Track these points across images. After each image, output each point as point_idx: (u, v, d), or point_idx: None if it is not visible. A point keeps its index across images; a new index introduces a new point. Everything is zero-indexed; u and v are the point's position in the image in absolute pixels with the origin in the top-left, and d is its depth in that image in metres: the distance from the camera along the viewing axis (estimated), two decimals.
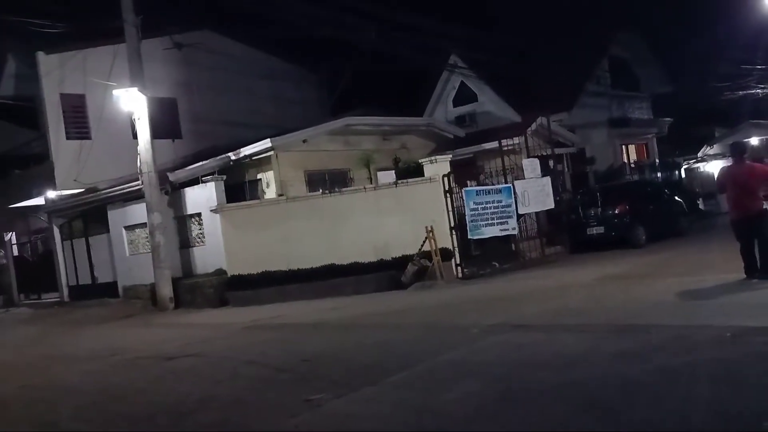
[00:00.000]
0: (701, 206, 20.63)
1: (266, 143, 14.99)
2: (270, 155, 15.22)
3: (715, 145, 28.02)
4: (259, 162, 15.55)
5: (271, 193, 15.26)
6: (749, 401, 4.13)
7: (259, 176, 15.78)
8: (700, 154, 26.22)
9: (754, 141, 27.76)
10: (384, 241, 13.24)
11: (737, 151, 8.85)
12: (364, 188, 14.25)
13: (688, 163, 23.78)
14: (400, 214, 13.38)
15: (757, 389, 4.35)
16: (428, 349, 6.79)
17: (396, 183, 13.98)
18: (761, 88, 23.84)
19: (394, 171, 15.20)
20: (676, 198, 17.53)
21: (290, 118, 19.41)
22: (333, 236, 13.41)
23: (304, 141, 15.79)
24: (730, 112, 27.76)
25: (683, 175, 22.71)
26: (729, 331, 5.70)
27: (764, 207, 8.40)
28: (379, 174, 15.69)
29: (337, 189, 14.47)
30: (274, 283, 13.08)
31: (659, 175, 22.36)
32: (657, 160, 23.76)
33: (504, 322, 7.72)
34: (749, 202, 8.34)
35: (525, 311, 8.40)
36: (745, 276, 8.35)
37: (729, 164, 9.21)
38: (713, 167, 22.97)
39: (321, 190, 14.47)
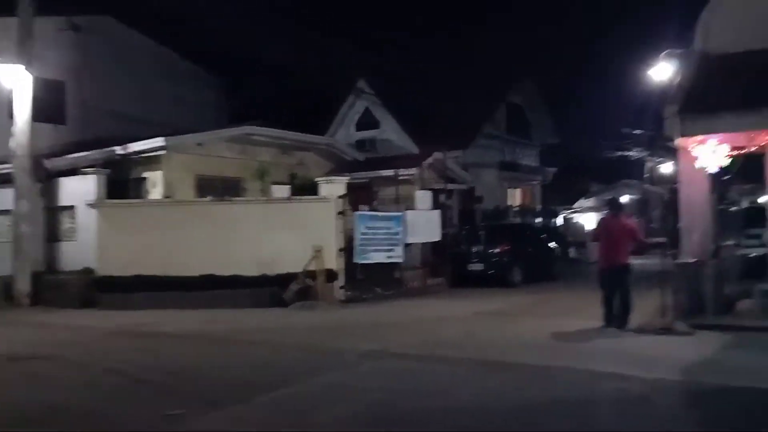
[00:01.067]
0: (573, 254, 22.00)
1: (159, 141, 14.33)
2: (161, 154, 14.55)
3: (591, 199, 30.18)
4: (148, 160, 14.81)
5: (156, 193, 14.56)
6: None
7: (145, 175, 15.00)
8: (576, 205, 28.11)
9: (625, 199, 30.21)
10: (270, 257, 12.96)
11: (614, 207, 9.56)
12: (257, 200, 13.96)
13: (566, 213, 25.39)
14: (290, 230, 13.17)
15: (606, 428, 4.65)
16: (303, 371, 6.69)
17: (290, 198, 13.81)
18: (636, 151, 26.05)
19: (289, 186, 15.05)
20: (552, 244, 18.60)
21: (185, 118, 18.69)
22: (217, 246, 12.94)
23: (199, 144, 15.28)
24: (607, 169, 30.10)
25: (560, 223, 24.19)
26: (586, 375, 6.07)
27: (629, 261, 9.08)
28: (274, 187, 15.44)
29: (227, 197, 14.05)
30: (149, 288, 12.40)
31: (539, 220, 23.69)
32: (539, 206, 25.20)
33: (382, 349, 7.77)
34: (617, 255, 8.99)
35: (403, 340, 8.50)
36: (603, 323, 8.95)
37: (605, 217, 9.82)
38: (587, 219, 24.68)
39: (210, 197, 14.00)
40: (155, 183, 14.79)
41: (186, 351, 8.23)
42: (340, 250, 13.48)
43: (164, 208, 13.48)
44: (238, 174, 16.13)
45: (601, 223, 9.61)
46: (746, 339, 7.97)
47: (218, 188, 15.41)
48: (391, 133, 22.28)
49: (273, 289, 12.65)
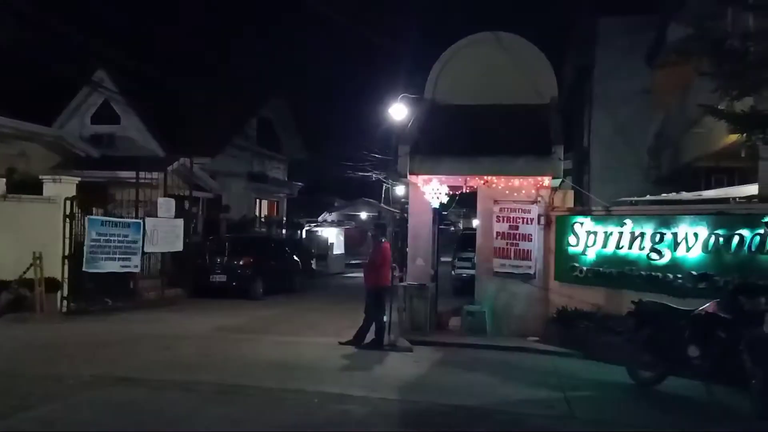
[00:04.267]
0: (314, 266, 22.91)
1: None
2: None
3: (333, 213, 31.83)
4: None
5: None
6: None
7: None
8: (320, 219, 29.38)
9: (364, 215, 32.51)
10: None
11: (382, 232, 10.32)
12: None
13: (310, 226, 26.37)
14: (5, 233, 11.62)
15: None
16: (8, 403, 5.92)
17: (5, 196, 12.12)
18: (375, 173, 28.22)
19: (4, 181, 13.15)
20: (295, 257, 19.16)
21: None
22: None
23: None
24: (349, 187, 32.07)
25: (304, 235, 25.04)
26: (317, 397, 6.44)
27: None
28: None
29: None
30: None
31: (284, 232, 24.22)
32: (284, 219, 25.77)
33: (107, 373, 7.26)
34: (388, 276, 9.80)
35: (132, 361, 8.03)
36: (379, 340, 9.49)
37: (382, 242, 10.17)
38: (329, 232, 25.97)
39: None
40: None
41: None
42: (66, 257, 12.27)
43: None
44: None
45: (386, 248, 10.00)
46: (454, 355, 9.19)
47: None
48: (133, 131, 20.78)
49: None
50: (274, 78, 24.82)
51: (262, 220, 23.99)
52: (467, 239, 17.88)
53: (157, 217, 14.16)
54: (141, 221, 13.68)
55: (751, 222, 7.97)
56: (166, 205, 14.49)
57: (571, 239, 10.11)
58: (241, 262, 16.11)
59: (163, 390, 6.67)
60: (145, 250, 13.71)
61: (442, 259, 15.10)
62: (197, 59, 22.00)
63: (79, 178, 13.31)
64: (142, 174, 14.82)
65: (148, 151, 19.86)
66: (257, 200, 24.55)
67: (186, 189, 16.53)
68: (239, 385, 6.85)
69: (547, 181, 10.33)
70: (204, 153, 19.37)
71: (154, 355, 8.55)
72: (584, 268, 9.91)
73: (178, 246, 14.80)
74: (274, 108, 25.20)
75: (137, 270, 13.60)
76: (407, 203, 11.48)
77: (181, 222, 14.87)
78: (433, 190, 10.55)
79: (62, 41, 15.76)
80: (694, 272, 8.38)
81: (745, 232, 7.98)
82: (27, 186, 12.91)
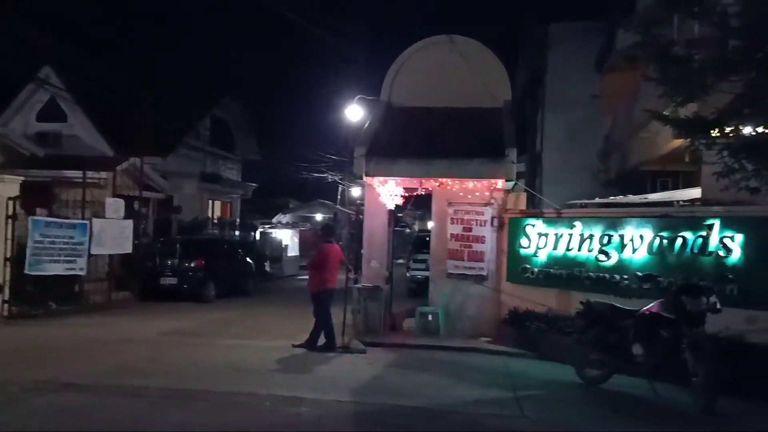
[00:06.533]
0: (268, 268, 22.67)
1: None
2: None
3: (288, 215, 31.61)
4: None
5: None
6: None
7: None
8: (274, 221, 29.10)
9: (319, 217, 32.38)
10: None
11: (329, 233, 10.19)
12: None
13: (264, 228, 26.07)
14: None
15: None
16: None
17: None
18: (331, 174, 28.13)
19: None
20: (248, 259, 18.89)
21: None
22: None
23: None
24: (304, 188, 31.88)
25: (257, 237, 24.74)
26: (268, 401, 6.37)
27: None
28: None
29: None
30: None
31: (237, 234, 23.89)
32: (238, 220, 25.42)
33: (52, 378, 7.01)
34: (334, 279, 9.64)
35: (78, 367, 7.78)
36: (323, 345, 9.36)
37: (326, 244, 9.88)
38: (283, 234, 25.73)
39: None
40: None
41: None
42: (7, 259, 11.80)
43: None
44: None
45: (327, 250, 9.73)
46: (408, 356, 9.22)
47: None
48: (80, 129, 20.14)
49: None
50: (229, 77, 24.43)
51: (215, 221, 23.59)
52: (422, 241, 17.96)
53: (105, 218, 13.78)
54: (87, 222, 13.28)
55: (694, 225, 8.25)
56: (114, 206, 14.12)
57: (523, 241, 10.27)
58: (192, 265, 15.78)
59: (111, 396, 6.48)
60: (92, 252, 13.31)
61: (397, 261, 15.19)
62: (149, 57, 21.55)
63: (23, 178, 12.82)
64: (89, 174, 14.44)
65: (97, 151, 19.29)
66: (210, 201, 24.13)
67: (136, 189, 16.14)
68: (189, 390, 6.71)
69: (500, 183, 10.47)
70: (155, 152, 18.91)
71: (101, 360, 8.30)
72: (535, 270, 10.08)
73: (128, 248, 14.44)
74: (229, 108, 24.86)
75: (83, 273, 13.20)
76: (363, 205, 11.45)
77: (130, 223, 14.51)
78: (388, 191, 10.58)
79: (6, 36, 15.16)
80: (639, 273, 8.60)
81: (688, 235, 8.26)
82: None
